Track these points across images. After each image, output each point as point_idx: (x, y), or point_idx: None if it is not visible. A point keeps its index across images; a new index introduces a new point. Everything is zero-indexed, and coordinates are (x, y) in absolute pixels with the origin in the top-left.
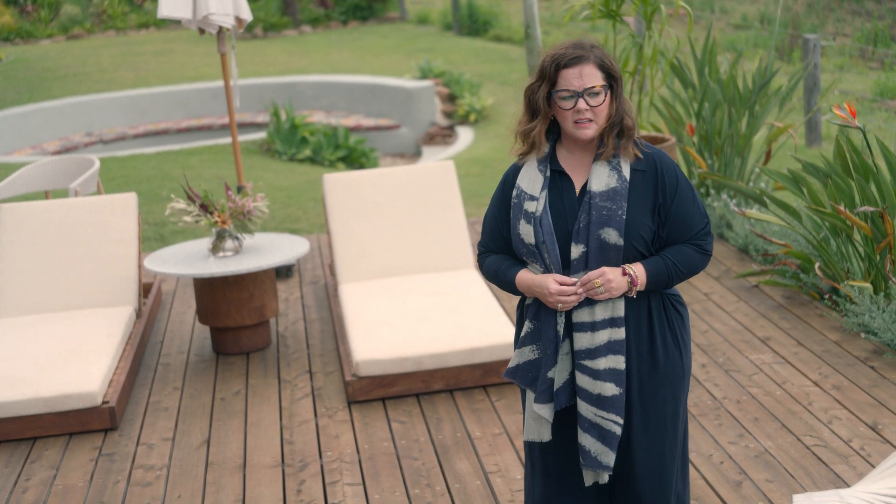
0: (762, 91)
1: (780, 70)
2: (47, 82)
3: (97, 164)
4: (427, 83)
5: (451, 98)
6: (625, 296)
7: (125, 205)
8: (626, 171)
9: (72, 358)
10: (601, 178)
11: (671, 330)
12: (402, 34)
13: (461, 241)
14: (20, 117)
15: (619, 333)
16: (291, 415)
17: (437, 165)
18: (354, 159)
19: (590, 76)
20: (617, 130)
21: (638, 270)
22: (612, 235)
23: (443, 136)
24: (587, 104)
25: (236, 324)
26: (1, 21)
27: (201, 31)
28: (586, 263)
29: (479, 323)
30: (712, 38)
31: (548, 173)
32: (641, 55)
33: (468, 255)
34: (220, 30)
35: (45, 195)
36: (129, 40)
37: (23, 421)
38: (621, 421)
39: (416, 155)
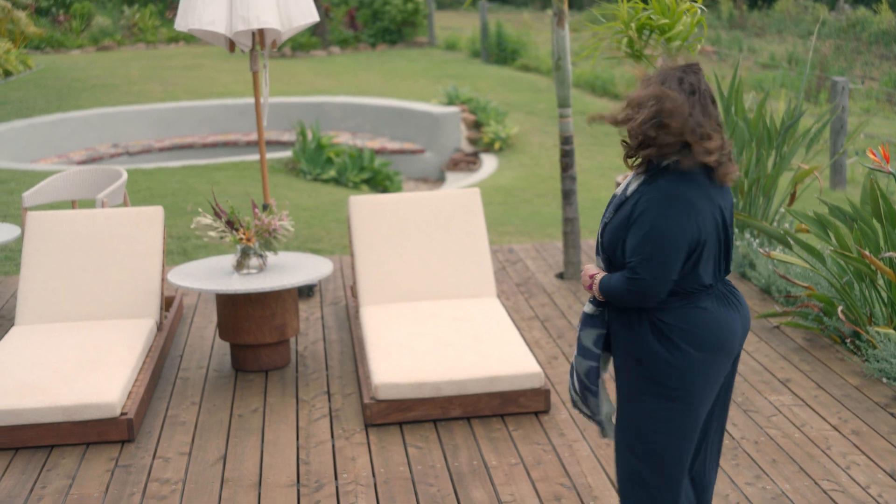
0: (789, 132)
1: (807, 111)
2: (76, 92)
3: (125, 175)
4: (453, 109)
5: (476, 125)
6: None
7: (151, 218)
8: (633, 186)
9: (92, 368)
10: (621, 186)
11: (637, 346)
12: (430, 59)
13: (484, 268)
14: (48, 126)
15: (589, 307)
16: (308, 435)
17: (463, 192)
18: (378, 182)
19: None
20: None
21: (597, 278)
22: (602, 236)
23: (467, 162)
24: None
25: (257, 341)
26: (29, 31)
27: (231, 47)
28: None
29: (500, 352)
30: (739, 77)
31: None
32: None
33: (490, 282)
34: (253, 47)
35: (72, 204)
36: (159, 54)
37: (41, 429)
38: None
39: (439, 180)
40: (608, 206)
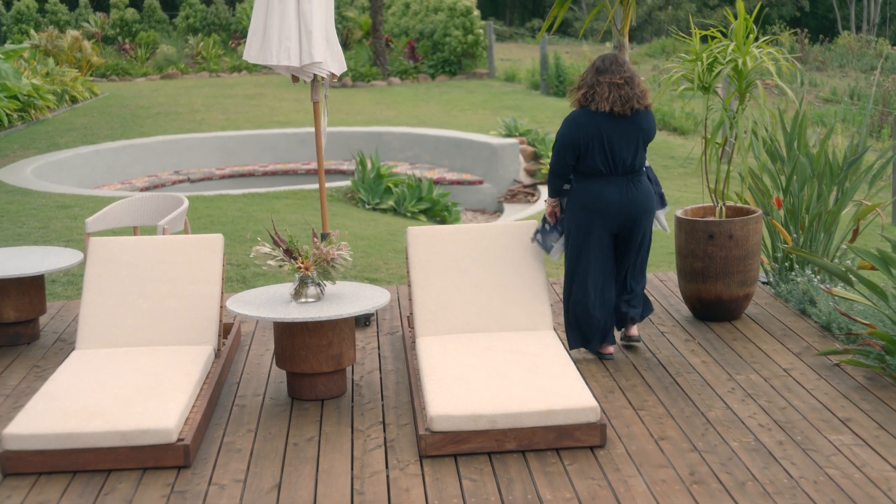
0: (852, 168)
1: (870, 147)
2: (140, 119)
3: (186, 203)
4: (512, 141)
5: (535, 157)
6: None
7: (212, 245)
8: None
9: (150, 393)
10: None
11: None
12: (490, 91)
13: (541, 301)
14: (111, 152)
15: None
16: (363, 465)
17: (521, 224)
18: (436, 212)
19: None
20: None
21: None
22: None
23: (525, 194)
24: None
25: (313, 370)
26: (95, 59)
27: (294, 78)
28: None
29: (556, 385)
30: (803, 112)
31: None
32: (734, 126)
33: (547, 315)
34: (315, 78)
35: (134, 231)
36: (222, 82)
37: (98, 453)
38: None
39: (497, 211)
40: None
